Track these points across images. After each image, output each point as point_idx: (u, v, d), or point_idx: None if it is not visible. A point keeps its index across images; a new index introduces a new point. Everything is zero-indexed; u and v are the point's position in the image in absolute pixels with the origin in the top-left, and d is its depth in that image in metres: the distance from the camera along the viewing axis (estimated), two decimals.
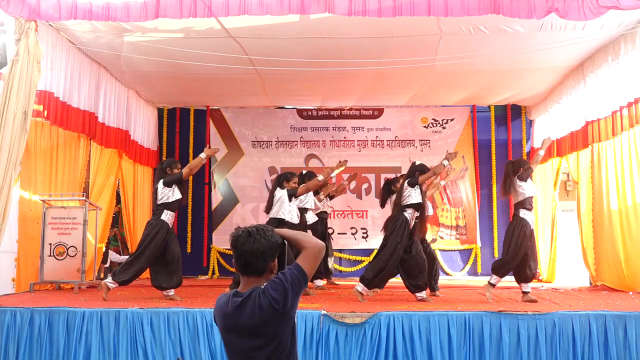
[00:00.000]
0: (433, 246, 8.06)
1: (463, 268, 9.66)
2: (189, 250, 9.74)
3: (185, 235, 9.76)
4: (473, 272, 9.59)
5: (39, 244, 6.61)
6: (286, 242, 2.23)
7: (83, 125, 7.17)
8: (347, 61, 6.95)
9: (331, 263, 8.08)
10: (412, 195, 6.03)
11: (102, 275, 8.24)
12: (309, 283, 6.60)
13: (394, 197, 6.38)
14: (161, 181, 5.93)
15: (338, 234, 9.75)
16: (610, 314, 4.62)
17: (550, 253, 8.76)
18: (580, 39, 6.40)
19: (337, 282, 8.19)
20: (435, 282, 6.69)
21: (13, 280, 6.28)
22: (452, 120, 9.96)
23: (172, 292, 5.85)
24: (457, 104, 9.81)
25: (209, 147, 6.53)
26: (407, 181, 6.11)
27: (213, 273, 9.71)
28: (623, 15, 5.78)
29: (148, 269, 6.00)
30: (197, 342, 4.69)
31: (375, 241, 8.75)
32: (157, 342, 4.72)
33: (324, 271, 7.65)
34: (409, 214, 6.02)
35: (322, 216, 7.77)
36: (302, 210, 6.80)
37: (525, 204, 5.82)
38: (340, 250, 9.72)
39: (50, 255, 6.63)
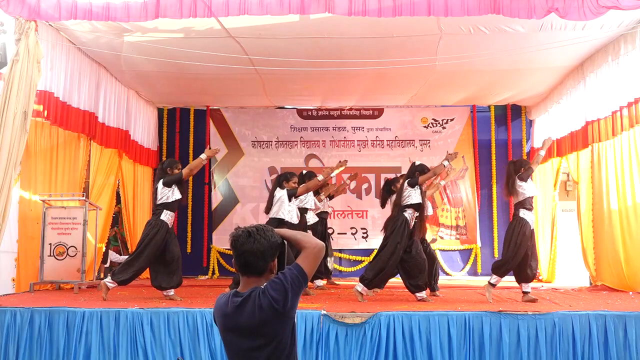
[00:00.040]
0: (433, 246, 8.06)
1: (463, 268, 9.66)
2: (189, 250, 9.74)
3: (185, 235, 9.76)
4: (473, 272, 9.59)
5: (39, 244, 6.61)
6: (286, 242, 2.23)
7: (83, 125, 7.17)
8: (347, 61, 6.95)
9: (331, 263, 8.08)
10: (412, 196, 6.03)
11: (102, 275, 8.24)
12: (309, 283, 6.60)
13: (394, 197, 6.39)
14: (161, 181, 5.93)
15: (338, 234, 9.75)
16: (610, 314, 4.62)
17: (550, 253, 8.76)
18: (580, 39, 6.40)
19: (337, 282, 8.19)
20: (435, 282, 6.69)
21: (13, 280, 6.28)
22: (452, 120, 9.96)
23: (172, 292, 5.85)
24: (457, 104, 9.81)
25: (210, 148, 6.53)
26: (407, 181, 6.11)
27: (213, 273, 9.71)
28: (623, 15, 5.78)
29: (148, 269, 6.00)
30: (197, 342, 4.69)
31: (375, 241, 8.75)
32: (157, 342, 4.72)
33: (324, 271, 7.65)
34: (408, 214, 6.02)
35: (322, 216, 7.77)
36: (302, 210, 6.81)
37: (526, 204, 5.83)
38: (340, 250, 9.72)
39: (50, 255, 6.63)
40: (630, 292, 6.43)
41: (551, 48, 6.60)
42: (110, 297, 5.70)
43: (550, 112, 8.88)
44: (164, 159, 9.54)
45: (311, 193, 7.00)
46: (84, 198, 6.99)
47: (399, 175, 7.64)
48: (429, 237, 7.99)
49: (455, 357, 4.55)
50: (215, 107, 10.11)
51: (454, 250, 9.74)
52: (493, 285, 5.83)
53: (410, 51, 6.90)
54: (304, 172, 7.47)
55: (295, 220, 6.43)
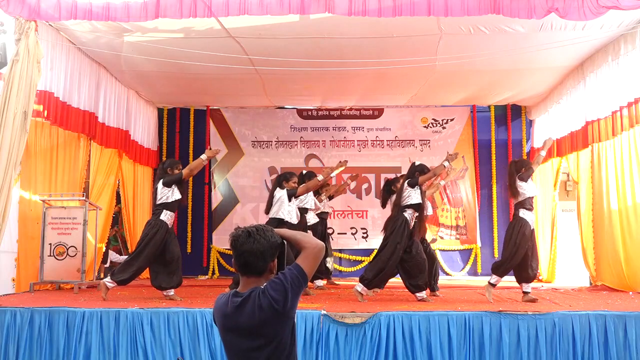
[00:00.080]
0: (433, 246, 8.06)
1: (463, 268, 9.65)
2: (189, 250, 9.73)
3: (185, 235, 9.76)
4: (473, 272, 9.59)
5: (39, 244, 6.60)
6: (286, 242, 2.23)
7: (83, 125, 7.17)
8: (347, 61, 6.95)
9: (330, 263, 8.08)
10: (412, 196, 6.03)
11: (102, 275, 8.23)
12: (309, 283, 6.60)
13: (394, 197, 6.39)
14: (161, 181, 5.93)
15: (338, 234, 9.75)
16: (610, 314, 4.62)
17: (550, 253, 8.76)
18: (580, 39, 6.40)
19: (337, 282, 8.19)
20: (435, 282, 6.69)
21: (13, 280, 6.28)
22: (452, 120, 9.96)
23: (172, 292, 5.85)
24: (457, 104, 9.81)
25: (210, 149, 6.53)
26: (407, 182, 6.11)
27: (213, 273, 9.71)
28: (623, 15, 5.77)
29: (148, 269, 6.00)
30: (197, 342, 4.69)
31: (375, 241, 8.74)
32: (157, 342, 4.72)
33: (324, 271, 7.64)
34: (408, 214, 6.02)
35: (322, 216, 7.77)
36: (302, 211, 6.81)
37: (526, 204, 5.83)
38: (340, 250, 9.72)
39: (50, 255, 6.63)
40: (630, 292, 6.43)
41: (551, 48, 6.60)
42: (110, 297, 5.70)
43: (550, 112, 8.88)
44: (164, 159, 9.55)
45: (311, 193, 7.00)
46: (84, 198, 6.99)
47: (399, 175, 7.64)
48: (429, 237, 7.99)
49: (455, 357, 4.55)
50: (215, 107, 10.11)
51: (454, 250, 9.74)
52: (493, 285, 5.84)
53: (410, 51, 6.90)
54: (304, 172, 7.47)
55: (295, 220, 6.43)
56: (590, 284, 7.76)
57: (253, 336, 2.10)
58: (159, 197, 5.91)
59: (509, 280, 6.32)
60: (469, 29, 6.31)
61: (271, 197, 6.44)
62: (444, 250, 9.63)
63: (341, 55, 6.94)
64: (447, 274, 9.39)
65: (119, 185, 8.69)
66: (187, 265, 8.00)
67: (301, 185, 6.62)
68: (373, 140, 10.02)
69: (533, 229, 5.89)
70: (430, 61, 7.11)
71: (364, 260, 9.51)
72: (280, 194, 6.36)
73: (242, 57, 7.06)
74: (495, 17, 5.50)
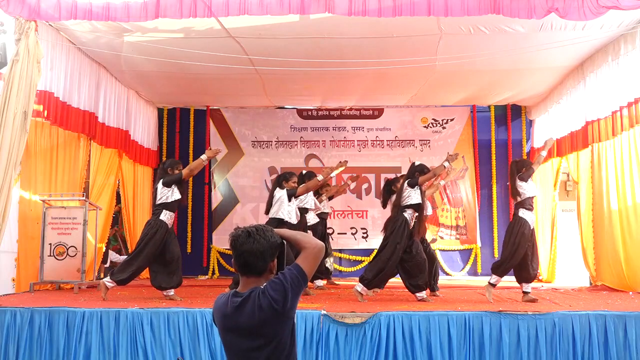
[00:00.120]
0: (433, 246, 8.06)
1: (463, 268, 9.65)
2: (189, 250, 9.73)
3: (185, 235, 9.76)
4: (473, 272, 9.59)
5: (39, 244, 6.61)
6: (286, 243, 2.23)
7: (83, 125, 7.17)
8: (347, 61, 6.95)
9: (330, 263, 8.09)
10: (412, 196, 6.03)
11: (102, 275, 8.23)
12: (309, 283, 6.60)
13: (394, 197, 6.39)
14: (161, 181, 5.93)
15: (338, 234, 9.75)
16: (610, 314, 4.62)
17: (550, 253, 8.76)
18: (580, 39, 6.40)
19: (337, 282, 8.19)
20: (435, 282, 6.69)
21: (13, 280, 6.28)
22: (452, 120, 9.96)
23: (172, 292, 5.85)
24: (457, 104, 9.81)
25: (210, 149, 6.53)
26: (406, 182, 6.11)
27: (213, 273, 9.71)
28: (623, 15, 5.77)
29: (147, 269, 6.00)
30: (197, 342, 4.69)
31: (375, 241, 8.74)
32: (157, 342, 4.72)
33: (324, 271, 7.64)
34: (408, 214, 6.02)
35: (322, 216, 7.76)
36: (302, 211, 6.81)
37: (525, 204, 5.83)
38: (340, 250, 9.71)
39: (50, 255, 6.63)
40: (630, 292, 6.43)
41: (551, 48, 6.60)
42: (110, 297, 5.70)
43: (550, 112, 8.88)
44: (164, 159, 9.56)
45: (311, 193, 7.00)
46: (84, 198, 6.99)
47: (399, 175, 7.64)
48: (429, 237, 7.99)
49: (455, 357, 4.55)
50: (215, 107, 10.11)
51: (454, 250, 9.74)
52: (493, 285, 5.84)
53: (410, 51, 6.90)
54: (304, 172, 7.46)
55: (294, 220, 6.43)
56: (590, 284, 7.76)
57: (253, 336, 2.10)
58: (158, 197, 5.91)
59: (509, 280, 6.32)
60: (469, 29, 6.31)
61: (271, 197, 6.44)
62: (444, 250, 9.63)
63: (341, 55, 6.94)
64: (447, 274, 9.39)
65: (119, 185, 8.69)
66: (187, 265, 8.00)
67: (301, 185, 6.62)
68: (373, 140, 10.02)
69: (533, 228, 5.89)
70: (430, 61, 7.11)
71: (364, 260, 9.51)
72: (280, 194, 6.36)
73: (242, 57, 7.06)
74: (495, 17, 5.50)
